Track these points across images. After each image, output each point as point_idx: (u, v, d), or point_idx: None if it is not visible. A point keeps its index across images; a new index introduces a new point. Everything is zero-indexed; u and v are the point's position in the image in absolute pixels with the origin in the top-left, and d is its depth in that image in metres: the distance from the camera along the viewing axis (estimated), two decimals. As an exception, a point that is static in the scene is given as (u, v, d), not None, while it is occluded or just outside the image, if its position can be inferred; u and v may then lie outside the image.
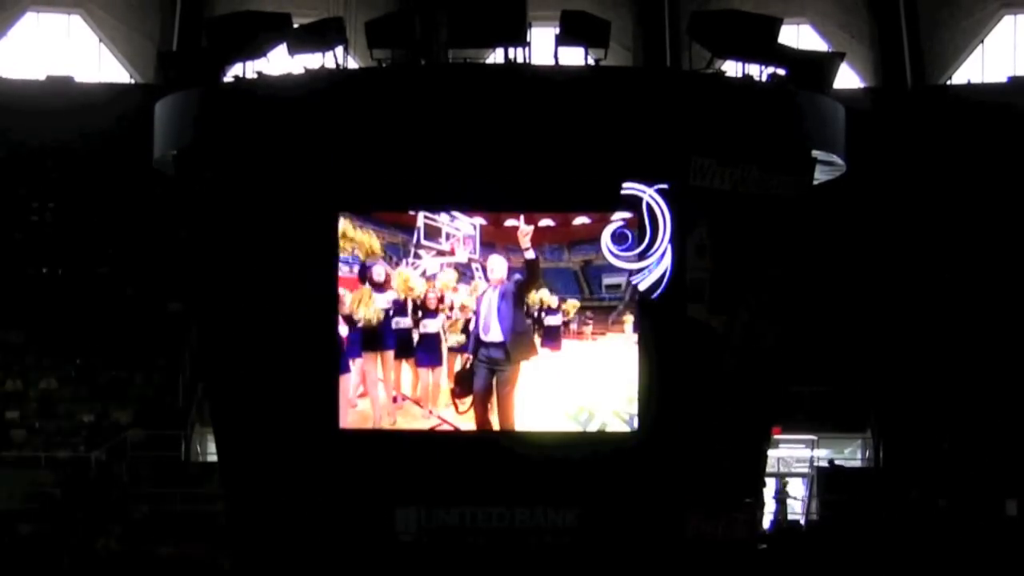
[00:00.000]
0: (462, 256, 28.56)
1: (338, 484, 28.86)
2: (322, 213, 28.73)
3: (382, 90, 28.76)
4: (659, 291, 28.40)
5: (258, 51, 29.45)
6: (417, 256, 28.61)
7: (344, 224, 28.52)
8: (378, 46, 29.28)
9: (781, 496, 38.22)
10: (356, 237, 28.53)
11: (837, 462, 39.43)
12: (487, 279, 28.56)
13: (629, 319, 28.55)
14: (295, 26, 29.89)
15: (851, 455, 40.51)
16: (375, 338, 28.63)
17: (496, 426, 28.60)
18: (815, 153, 30.10)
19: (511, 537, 28.62)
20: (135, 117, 38.06)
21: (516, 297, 28.41)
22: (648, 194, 28.34)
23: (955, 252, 45.20)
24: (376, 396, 28.68)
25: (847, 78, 47.87)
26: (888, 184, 47.56)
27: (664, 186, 28.30)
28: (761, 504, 33.74)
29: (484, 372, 28.50)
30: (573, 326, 28.56)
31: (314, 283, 28.79)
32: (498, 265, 28.55)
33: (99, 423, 39.95)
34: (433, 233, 28.63)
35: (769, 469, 34.62)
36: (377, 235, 28.64)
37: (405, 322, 28.69)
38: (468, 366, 28.51)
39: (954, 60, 50.21)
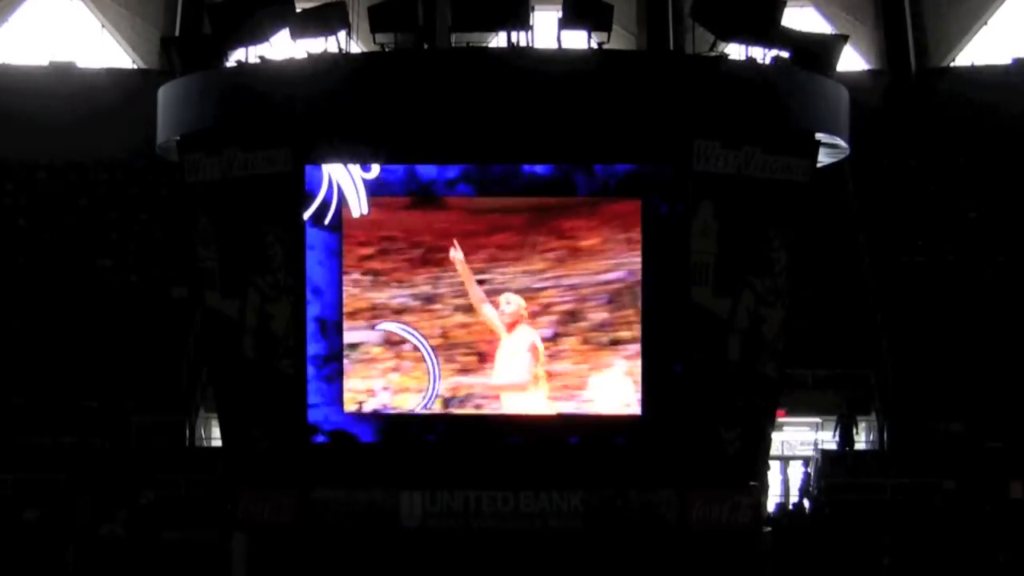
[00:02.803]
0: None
1: (342, 469, 28.89)
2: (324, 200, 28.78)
3: (385, 75, 28.72)
4: None
5: (261, 36, 29.41)
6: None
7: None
8: (381, 30, 29.25)
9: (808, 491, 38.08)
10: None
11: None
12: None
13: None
14: (298, 11, 29.84)
15: (856, 438, 40.51)
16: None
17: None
18: (819, 136, 30.05)
19: (516, 522, 28.64)
20: (138, 103, 38.04)
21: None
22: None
23: (957, 233, 45.19)
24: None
25: (850, 60, 47.81)
26: (892, 165, 47.55)
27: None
28: (766, 488, 33.74)
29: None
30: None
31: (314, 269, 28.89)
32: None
33: (104, 409, 39.98)
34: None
35: (773, 452, 34.64)
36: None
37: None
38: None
39: (958, 42, 50.15)
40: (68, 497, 37.08)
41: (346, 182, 28.82)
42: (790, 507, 37.67)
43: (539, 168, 28.50)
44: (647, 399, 28.68)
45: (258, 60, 29.53)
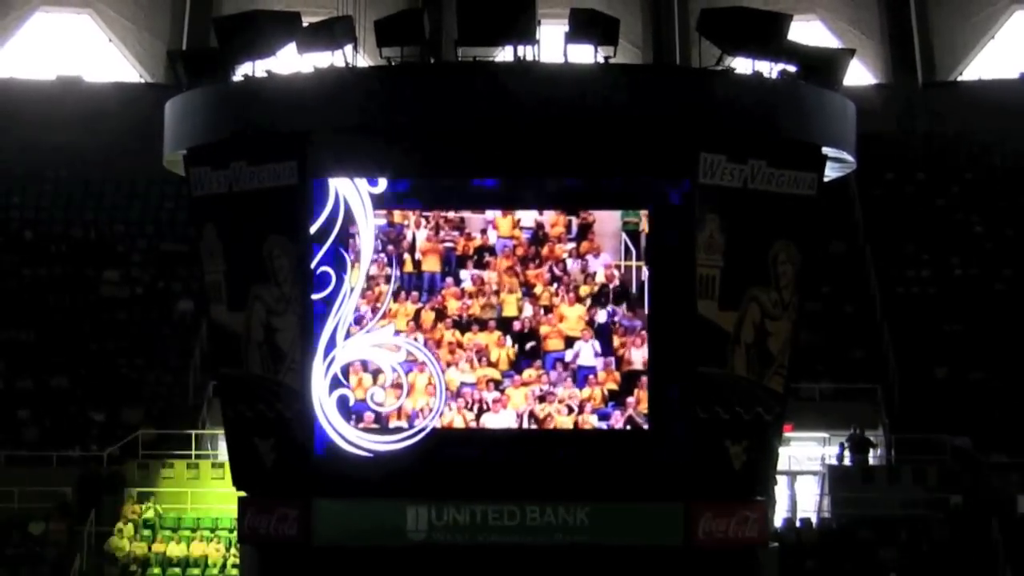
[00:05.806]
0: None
1: (348, 481, 28.87)
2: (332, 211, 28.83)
3: (391, 88, 28.76)
4: None
5: (267, 50, 29.47)
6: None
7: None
8: (387, 44, 29.28)
9: None
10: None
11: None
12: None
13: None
14: (304, 25, 29.89)
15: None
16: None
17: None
18: (825, 150, 30.05)
19: (522, 535, 28.61)
20: (145, 117, 38.11)
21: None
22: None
23: (964, 247, 45.16)
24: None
25: (857, 74, 47.81)
26: (898, 179, 47.54)
27: None
28: (773, 502, 33.69)
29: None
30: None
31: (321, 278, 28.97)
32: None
33: (110, 422, 39.99)
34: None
35: (780, 467, 34.58)
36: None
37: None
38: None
39: (964, 56, 50.16)
40: (74, 510, 37.10)
41: (352, 196, 28.86)
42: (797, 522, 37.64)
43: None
44: (654, 413, 28.65)
45: (265, 74, 29.57)
